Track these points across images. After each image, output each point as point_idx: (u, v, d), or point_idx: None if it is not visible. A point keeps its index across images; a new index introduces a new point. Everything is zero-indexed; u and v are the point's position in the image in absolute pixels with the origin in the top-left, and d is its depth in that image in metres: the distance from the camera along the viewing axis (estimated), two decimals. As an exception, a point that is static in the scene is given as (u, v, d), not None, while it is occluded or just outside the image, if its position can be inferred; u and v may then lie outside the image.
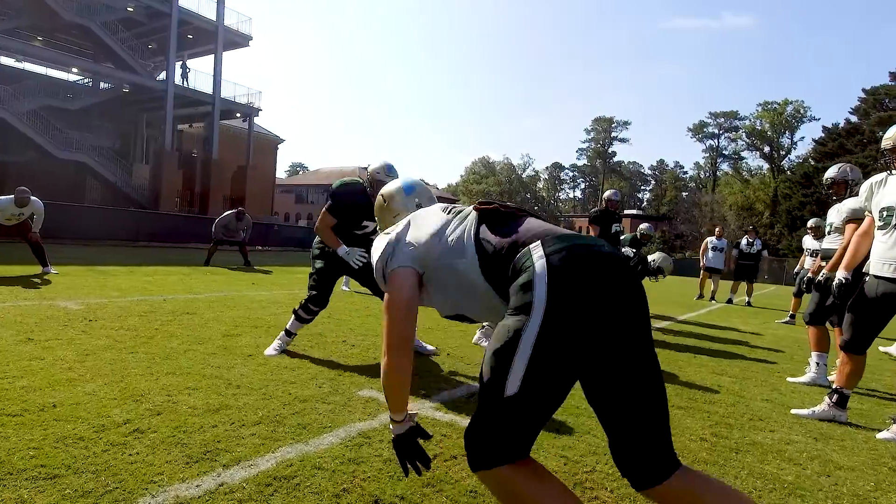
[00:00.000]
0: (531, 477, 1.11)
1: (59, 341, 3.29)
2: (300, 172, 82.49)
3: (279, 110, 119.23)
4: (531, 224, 1.30)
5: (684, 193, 60.96)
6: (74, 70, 26.29)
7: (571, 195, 76.60)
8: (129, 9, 23.70)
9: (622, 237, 6.82)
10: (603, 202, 6.53)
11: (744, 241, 10.40)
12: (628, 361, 1.12)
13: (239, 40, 27.29)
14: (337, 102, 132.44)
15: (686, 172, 66.99)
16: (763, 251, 10.41)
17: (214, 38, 25.69)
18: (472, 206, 1.43)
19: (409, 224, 1.44)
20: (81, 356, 3.00)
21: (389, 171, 3.35)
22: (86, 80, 27.18)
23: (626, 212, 71.24)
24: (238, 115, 28.95)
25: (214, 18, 25.58)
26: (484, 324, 4.20)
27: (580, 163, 69.93)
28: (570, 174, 73.92)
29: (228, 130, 29.84)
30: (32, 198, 6.43)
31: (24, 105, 21.18)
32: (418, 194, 1.87)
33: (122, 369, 2.81)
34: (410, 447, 1.40)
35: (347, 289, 7.18)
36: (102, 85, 26.37)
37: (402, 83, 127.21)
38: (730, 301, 10.40)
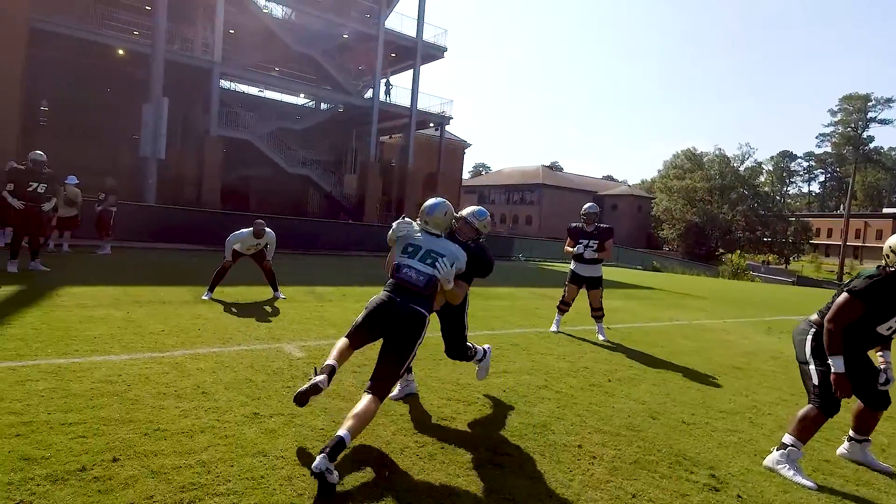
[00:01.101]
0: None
1: (282, 418, 3.13)
2: (482, 173, 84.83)
3: (464, 112, 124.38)
4: (404, 279, 3.01)
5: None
6: (301, 95, 30.36)
7: (805, 189, 64.63)
8: (344, 35, 26.43)
9: None
10: None
11: None
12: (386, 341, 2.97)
13: (435, 53, 28.49)
14: (519, 102, 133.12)
15: None
16: None
17: (414, 53, 27.22)
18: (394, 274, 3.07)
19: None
20: (300, 451, 2.74)
21: (479, 215, 3.64)
22: (309, 103, 31.23)
23: (885, 210, 57.33)
24: (431, 124, 30.37)
25: (414, 35, 27.09)
26: (786, 442, 3.02)
27: (819, 151, 58.24)
28: (805, 164, 62.30)
29: (420, 138, 31.49)
30: (267, 229, 7.00)
31: (264, 128, 25.04)
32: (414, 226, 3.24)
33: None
34: None
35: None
36: (322, 106, 29.99)
37: (589, 73, 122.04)
38: None
